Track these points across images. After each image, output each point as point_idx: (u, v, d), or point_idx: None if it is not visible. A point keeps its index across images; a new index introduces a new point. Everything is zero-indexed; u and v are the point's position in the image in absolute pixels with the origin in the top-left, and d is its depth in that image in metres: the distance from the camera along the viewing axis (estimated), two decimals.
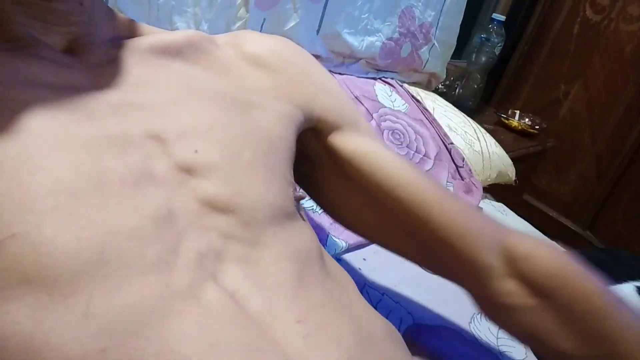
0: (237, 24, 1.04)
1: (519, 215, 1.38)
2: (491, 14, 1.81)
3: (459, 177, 1.24)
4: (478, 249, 0.53)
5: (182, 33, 0.56)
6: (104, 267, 0.36)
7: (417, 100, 1.41)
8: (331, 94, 0.62)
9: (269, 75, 0.58)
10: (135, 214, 0.40)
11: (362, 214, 0.63)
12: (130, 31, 0.57)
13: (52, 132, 0.39)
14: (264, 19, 1.06)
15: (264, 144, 0.51)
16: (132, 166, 0.42)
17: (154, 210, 0.41)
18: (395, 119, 1.25)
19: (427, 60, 1.50)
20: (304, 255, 0.47)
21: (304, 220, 0.55)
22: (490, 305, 0.56)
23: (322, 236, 0.88)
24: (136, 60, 0.51)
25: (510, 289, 0.53)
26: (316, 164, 0.63)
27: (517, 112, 1.87)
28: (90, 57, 0.48)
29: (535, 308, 0.52)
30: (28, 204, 0.35)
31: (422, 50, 1.46)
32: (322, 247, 0.55)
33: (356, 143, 0.59)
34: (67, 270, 0.35)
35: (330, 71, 1.29)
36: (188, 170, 0.45)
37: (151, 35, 0.55)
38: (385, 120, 1.22)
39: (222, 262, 0.43)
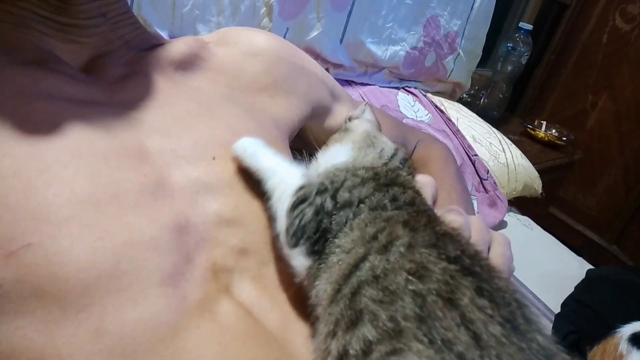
0: None
1: (544, 228, 1.34)
2: (518, 23, 1.78)
3: (482, 189, 1.22)
4: None
5: (183, 43, 0.57)
6: (119, 280, 0.35)
7: (441, 111, 1.39)
8: (320, 79, 0.69)
9: (267, 71, 0.60)
10: (153, 223, 0.39)
11: None
12: (150, 40, 0.57)
13: (70, 144, 0.39)
14: (287, 28, 1.06)
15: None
16: (149, 176, 0.42)
17: (171, 221, 0.40)
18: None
19: (452, 70, 1.48)
20: None
21: None
22: None
23: None
24: (150, 76, 0.51)
25: None
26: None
27: (544, 122, 1.82)
28: (107, 74, 0.49)
29: None
30: (44, 214, 0.34)
31: (446, 59, 1.44)
32: None
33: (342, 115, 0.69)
34: (81, 283, 0.34)
35: (352, 81, 1.28)
36: (203, 182, 0.45)
37: (162, 48, 0.56)
38: None
39: (235, 275, 0.42)
